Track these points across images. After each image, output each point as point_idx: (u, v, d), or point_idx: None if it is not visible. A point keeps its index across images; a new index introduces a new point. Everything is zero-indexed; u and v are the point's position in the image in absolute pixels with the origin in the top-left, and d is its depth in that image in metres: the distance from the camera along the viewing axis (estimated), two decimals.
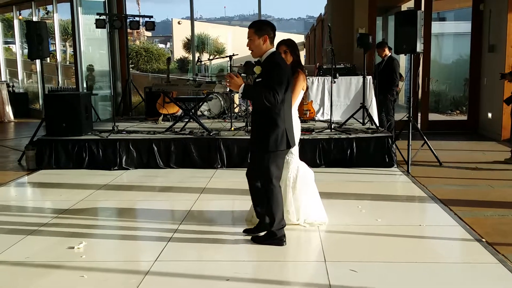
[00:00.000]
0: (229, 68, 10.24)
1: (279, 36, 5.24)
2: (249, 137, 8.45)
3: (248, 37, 4.77)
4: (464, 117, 13.12)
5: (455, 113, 15.25)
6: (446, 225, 5.60)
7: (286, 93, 4.65)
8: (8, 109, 16.15)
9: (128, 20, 12.25)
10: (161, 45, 49.15)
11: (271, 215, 4.82)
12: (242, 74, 10.97)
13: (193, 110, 9.94)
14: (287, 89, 4.65)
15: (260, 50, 4.73)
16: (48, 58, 13.16)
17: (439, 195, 6.64)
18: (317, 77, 10.86)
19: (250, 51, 4.82)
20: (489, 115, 11.24)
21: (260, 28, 4.71)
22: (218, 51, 33.71)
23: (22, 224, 5.71)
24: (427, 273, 4.27)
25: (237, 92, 4.90)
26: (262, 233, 5.00)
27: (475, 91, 12.12)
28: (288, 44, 5.29)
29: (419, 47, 8.06)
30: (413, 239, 5.11)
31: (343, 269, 4.34)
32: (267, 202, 4.83)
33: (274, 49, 4.80)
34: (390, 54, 10.54)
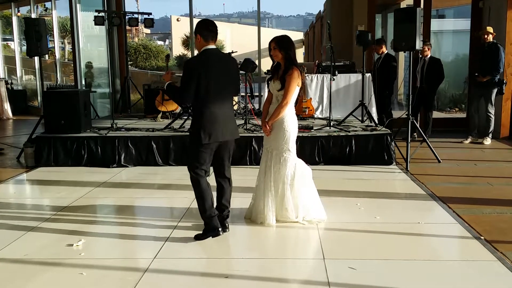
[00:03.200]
0: None
1: (278, 33, 5.24)
2: (247, 135, 8.49)
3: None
4: (463, 115, 13.12)
5: (454, 110, 15.26)
6: (445, 223, 5.61)
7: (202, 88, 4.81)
8: (7, 106, 16.15)
9: (127, 17, 12.22)
10: (160, 42, 49.08)
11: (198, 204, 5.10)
12: (241, 72, 10.98)
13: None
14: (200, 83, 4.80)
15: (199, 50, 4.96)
16: (46, 55, 13.18)
17: (438, 192, 6.65)
18: (316, 75, 10.85)
19: None
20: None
21: (195, 29, 4.95)
22: (218, 48, 33.65)
23: (21, 221, 5.71)
24: (426, 270, 4.27)
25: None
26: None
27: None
28: (276, 40, 5.27)
29: (418, 44, 8.05)
30: (411, 236, 5.12)
31: (342, 266, 4.34)
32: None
33: (209, 47, 4.92)
34: (387, 51, 10.55)
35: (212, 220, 5.01)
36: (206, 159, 5.04)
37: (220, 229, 5.04)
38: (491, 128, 10.13)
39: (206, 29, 4.90)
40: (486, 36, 9.79)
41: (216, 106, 4.89)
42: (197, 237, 5.02)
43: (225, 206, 5.28)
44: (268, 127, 5.32)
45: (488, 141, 10.08)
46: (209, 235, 5.00)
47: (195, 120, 4.94)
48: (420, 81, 10.34)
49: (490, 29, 9.84)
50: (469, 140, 10.23)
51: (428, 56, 10.34)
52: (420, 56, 10.38)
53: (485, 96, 9.98)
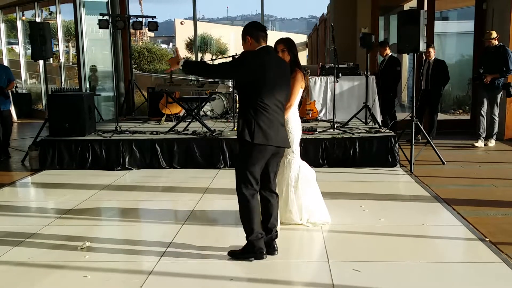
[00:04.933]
0: None
1: (282, 35, 5.25)
2: None
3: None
4: (467, 117, 13.09)
5: (458, 112, 15.23)
6: (450, 225, 5.60)
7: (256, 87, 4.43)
8: (11, 110, 16.15)
9: (131, 20, 12.26)
10: (164, 46, 49.12)
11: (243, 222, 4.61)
12: None
13: (196, 110, 9.95)
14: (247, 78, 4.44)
15: None
16: (51, 59, 13.22)
17: (442, 194, 6.63)
18: (320, 77, 10.86)
19: None
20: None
21: (242, 31, 4.63)
22: (221, 51, 33.62)
23: (25, 224, 5.73)
24: (431, 272, 4.26)
25: (182, 69, 4.71)
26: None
27: (478, 90, 12.08)
28: (285, 42, 5.26)
29: (422, 46, 8.05)
30: (416, 238, 5.10)
31: (346, 269, 4.33)
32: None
33: (261, 46, 4.56)
34: (391, 53, 10.55)
35: (259, 242, 4.54)
36: (258, 171, 4.51)
37: (265, 251, 4.57)
38: (495, 130, 10.10)
39: (257, 29, 4.57)
40: (490, 42, 9.80)
41: (271, 110, 4.46)
42: (234, 255, 4.62)
43: (274, 225, 4.72)
44: None
45: (492, 142, 10.05)
46: (250, 256, 4.53)
47: (247, 123, 4.40)
48: (426, 83, 10.33)
49: (492, 33, 9.81)
50: (480, 143, 10.06)
51: (433, 58, 10.33)
52: (424, 58, 10.38)
53: (490, 98, 9.94)
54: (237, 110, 4.75)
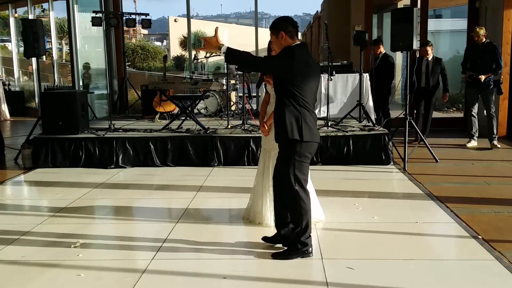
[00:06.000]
0: (225, 65, 10.23)
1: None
2: (245, 135, 8.50)
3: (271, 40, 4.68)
4: (461, 114, 13.13)
5: (452, 110, 15.28)
6: (443, 222, 5.62)
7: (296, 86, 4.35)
8: (4, 108, 16.14)
9: (124, 18, 12.23)
10: (158, 43, 49.05)
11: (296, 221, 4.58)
12: (238, 72, 10.98)
13: (189, 108, 9.94)
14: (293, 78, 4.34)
15: (280, 48, 4.49)
16: (44, 56, 13.18)
17: (436, 192, 6.65)
18: None
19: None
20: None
21: (274, 26, 4.52)
22: None
23: (18, 222, 5.71)
24: (424, 270, 4.28)
25: (219, 54, 4.56)
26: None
27: None
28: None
29: (416, 44, 8.06)
30: (409, 236, 5.12)
31: (340, 266, 4.34)
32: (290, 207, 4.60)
33: (297, 43, 4.47)
34: (384, 51, 10.55)
35: (309, 240, 4.56)
36: (308, 168, 4.54)
37: (311, 249, 4.59)
38: (496, 130, 9.89)
39: (291, 24, 4.43)
40: (477, 38, 9.61)
41: (311, 107, 4.46)
42: (280, 255, 4.58)
43: None
44: (266, 127, 5.31)
45: (497, 143, 9.74)
46: (301, 255, 4.54)
47: (295, 121, 4.35)
48: (425, 81, 10.19)
49: (480, 30, 9.65)
50: (472, 143, 9.85)
51: (431, 56, 10.25)
52: (420, 56, 10.35)
53: (484, 97, 9.74)
54: (274, 108, 4.51)
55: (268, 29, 4.62)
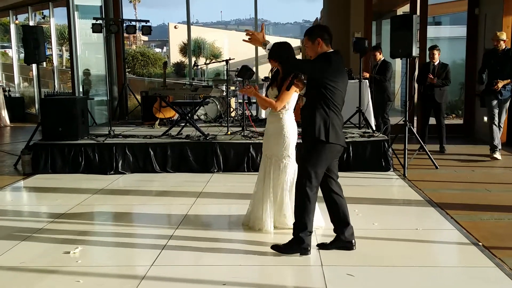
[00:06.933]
0: (225, 72, 10.24)
1: (276, 40, 5.24)
2: (245, 141, 8.50)
3: (305, 46, 4.88)
4: (460, 121, 13.13)
5: (451, 117, 15.25)
6: (443, 229, 5.61)
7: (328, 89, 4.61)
8: (4, 114, 16.13)
9: (124, 24, 12.25)
10: (158, 50, 49.07)
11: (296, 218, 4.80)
12: (238, 79, 10.99)
13: (189, 114, 9.94)
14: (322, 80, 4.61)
15: (316, 54, 4.75)
16: (44, 63, 13.18)
17: (436, 199, 6.64)
18: None
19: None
20: (485, 118, 11.20)
21: (311, 32, 4.77)
22: (215, 55, 33.65)
23: (17, 229, 5.70)
24: (424, 277, 4.27)
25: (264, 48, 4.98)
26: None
27: (471, 95, 12.14)
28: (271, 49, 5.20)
29: (415, 51, 8.06)
30: (410, 243, 5.11)
31: (340, 273, 4.33)
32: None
33: (331, 50, 4.75)
34: (383, 58, 10.54)
35: (307, 238, 4.71)
36: (324, 170, 4.73)
37: (310, 248, 4.73)
38: (498, 141, 9.31)
39: (327, 32, 4.74)
40: (497, 43, 9.11)
41: (339, 111, 4.73)
42: (278, 249, 4.77)
43: (348, 217, 4.94)
44: (252, 89, 5.30)
45: (498, 155, 9.27)
46: (296, 251, 4.72)
47: (323, 123, 4.60)
48: (431, 87, 9.98)
49: (501, 34, 9.16)
50: (497, 154, 9.20)
51: (437, 61, 10.01)
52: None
53: (500, 106, 9.22)
54: (304, 109, 4.82)
55: (267, 36, 4.78)
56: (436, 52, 10.02)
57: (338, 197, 4.91)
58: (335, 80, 4.60)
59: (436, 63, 10.04)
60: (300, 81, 5.16)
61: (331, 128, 4.59)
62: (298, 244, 4.70)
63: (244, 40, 4.98)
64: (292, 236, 4.75)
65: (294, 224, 4.79)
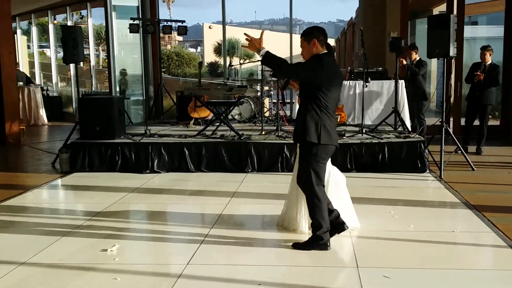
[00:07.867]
0: (259, 72, 10.26)
1: None
2: (280, 142, 8.50)
3: (300, 46, 4.93)
4: (497, 122, 12.93)
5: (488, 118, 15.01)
6: (479, 232, 5.53)
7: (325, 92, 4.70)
8: (42, 112, 16.43)
9: (161, 25, 12.37)
10: (192, 50, 49.44)
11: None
12: (272, 78, 11.00)
13: (224, 114, 9.99)
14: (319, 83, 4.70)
15: (310, 55, 4.85)
16: (82, 62, 13.40)
17: (472, 200, 6.55)
18: (348, 81, 10.82)
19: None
20: None
21: (308, 33, 4.84)
22: (248, 55, 33.69)
23: (55, 226, 5.80)
24: (460, 279, 4.22)
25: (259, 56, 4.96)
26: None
27: (509, 96, 11.95)
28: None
29: (452, 51, 7.97)
30: (446, 245, 5.05)
31: (376, 275, 4.31)
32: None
33: (325, 51, 4.83)
34: (419, 57, 10.43)
35: (326, 235, 4.85)
36: (324, 169, 4.91)
37: (329, 244, 4.86)
38: None
39: (323, 34, 4.83)
40: None
41: (332, 112, 4.84)
42: (299, 246, 4.91)
43: (331, 205, 5.06)
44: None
45: None
46: (316, 248, 4.85)
47: (314, 125, 4.70)
48: (479, 88, 9.72)
49: None
50: None
51: (489, 62, 9.76)
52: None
53: None
54: (297, 111, 4.98)
55: (298, 35, 4.78)
56: (487, 52, 9.75)
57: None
58: (327, 82, 4.70)
59: (487, 64, 9.75)
60: (296, 81, 5.23)
61: (323, 129, 4.70)
62: (317, 241, 4.84)
63: (243, 46, 5.02)
64: (312, 235, 4.91)
65: (311, 224, 4.96)
